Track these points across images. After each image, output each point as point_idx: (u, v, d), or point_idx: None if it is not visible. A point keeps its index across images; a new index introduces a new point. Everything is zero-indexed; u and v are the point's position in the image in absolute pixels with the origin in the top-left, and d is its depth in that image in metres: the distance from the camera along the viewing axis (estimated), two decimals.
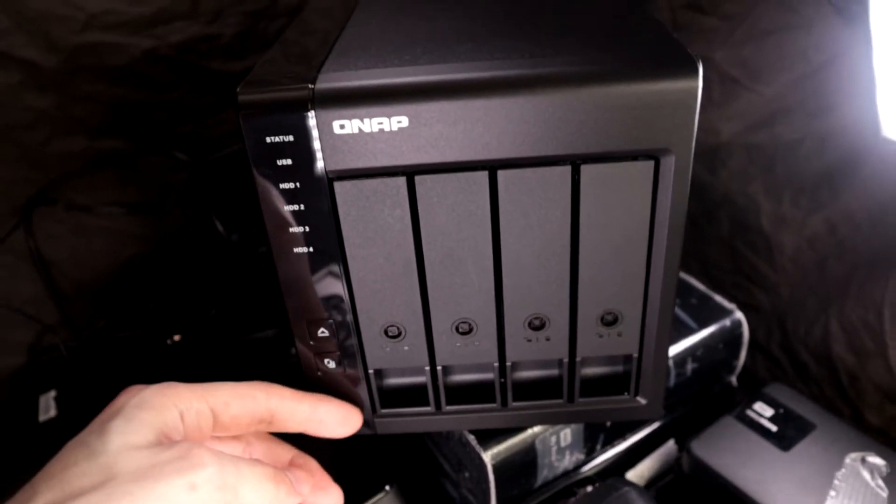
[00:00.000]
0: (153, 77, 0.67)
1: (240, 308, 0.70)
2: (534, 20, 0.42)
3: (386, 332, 0.40)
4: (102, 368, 0.67)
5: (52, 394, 0.64)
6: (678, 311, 0.54)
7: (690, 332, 0.52)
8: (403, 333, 0.40)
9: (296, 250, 0.38)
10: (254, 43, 0.71)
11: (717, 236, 0.68)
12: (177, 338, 0.67)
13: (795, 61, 0.55)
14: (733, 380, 0.57)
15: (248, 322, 0.67)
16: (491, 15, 0.43)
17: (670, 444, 0.55)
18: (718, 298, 0.55)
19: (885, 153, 0.52)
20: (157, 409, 0.33)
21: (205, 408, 0.35)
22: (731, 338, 0.54)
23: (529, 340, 0.41)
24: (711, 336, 0.53)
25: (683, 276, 0.58)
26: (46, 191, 0.68)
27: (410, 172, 0.36)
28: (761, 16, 0.56)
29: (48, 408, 0.63)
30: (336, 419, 0.40)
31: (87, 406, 0.62)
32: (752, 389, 0.57)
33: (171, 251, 0.75)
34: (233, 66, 0.71)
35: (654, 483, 0.55)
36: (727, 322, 0.54)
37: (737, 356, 0.55)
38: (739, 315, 0.54)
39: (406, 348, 0.41)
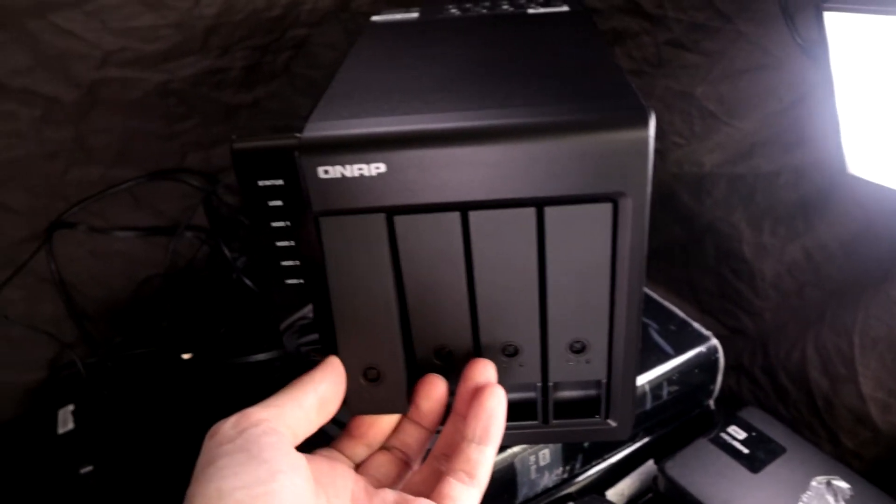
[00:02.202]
0: (166, 109, 0.72)
1: (247, 328, 0.74)
2: (505, 68, 0.45)
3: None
4: (117, 383, 0.70)
5: (70, 408, 0.68)
6: (657, 338, 0.56)
7: (667, 358, 0.55)
8: (385, 356, 0.43)
9: (287, 282, 0.42)
10: (261, 75, 0.75)
11: (704, 262, 0.70)
12: (187, 356, 0.70)
13: (767, 99, 0.57)
14: (711, 403, 0.59)
15: (254, 342, 0.71)
16: (467, 63, 0.46)
17: (649, 464, 0.57)
18: (696, 325, 0.58)
19: (851, 189, 0.54)
20: None
21: None
22: (707, 363, 0.56)
23: (504, 366, 0.44)
24: (687, 362, 0.55)
25: (664, 302, 0.61)
26: (66, 216, 0.72)
27: (389, 212, 0.39)
28: (737, 55, 0.59)
29: (66, 421, 0.67)
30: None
31: (102, 419, 0.66)
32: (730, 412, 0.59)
33: (183, 272, 0.79)
34: (242, 97, 0.75)
35: (634, 501, 0.57)
36: (703, 349, 0.56)
37: (713, 381, 0.58)
38: (715, 342, 0.56)
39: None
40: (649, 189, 0.38)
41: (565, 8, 0.58)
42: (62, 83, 0.66)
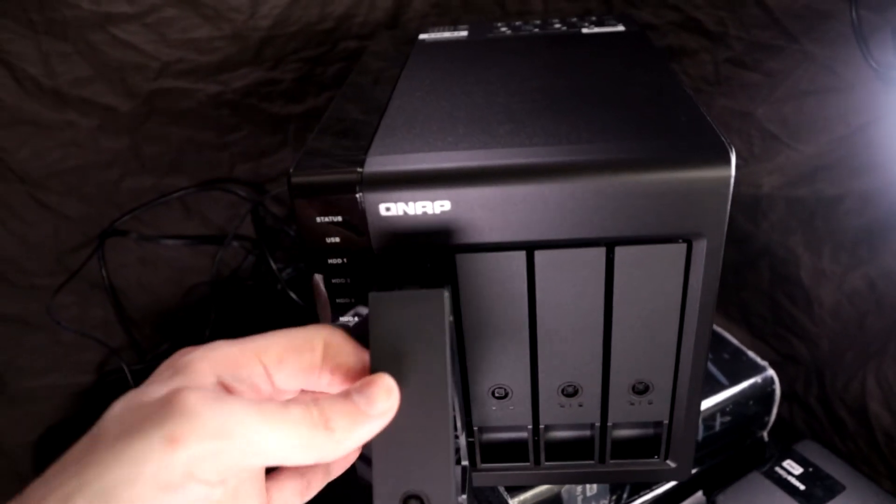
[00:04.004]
0: (217, 119, 0.72)
1: None
2: (570, 96, 0.43)
3: None
4: None
5: None
6: (710, 367, 0.55)
7: (721, 388, 0.53)
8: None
9: (342, 319, 0.41)
10: (312, 87, 0.75)
11: (757, 285, 0.68)
12: None
13: (834, 122, 0.55)
14: (765, 434, 0.58)
15: None
16: (529, 90, 0.44)
17: (698, 496, 0.56)
18: (751, 354, 0.56)
19: None
20: (193, 375, 0.28)
21: (258, 370, 0.30)
22: (762, 395, 0.55)
23: (562, 406, 0.43)
24: (742, 393, 0.54)
25: (718, 329, 0.59)
26: (118, 224, 0.72)
27: (451, 250, 0.38)
28: (803, 76, 0.57)
29: None
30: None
31: None
32: (786, 443, 0.58)
33: (228, 281, 0.80)
34: (291, 108, 0.75)
35: None
36: (758, 379, 0.55)
37: (768, 412, 0.56)
38: (771, 372, 0.55)
39: None
40: (725, 230, 0.37)
41: (620, 27, 0.56)
42: (120, 93, 0.66)
